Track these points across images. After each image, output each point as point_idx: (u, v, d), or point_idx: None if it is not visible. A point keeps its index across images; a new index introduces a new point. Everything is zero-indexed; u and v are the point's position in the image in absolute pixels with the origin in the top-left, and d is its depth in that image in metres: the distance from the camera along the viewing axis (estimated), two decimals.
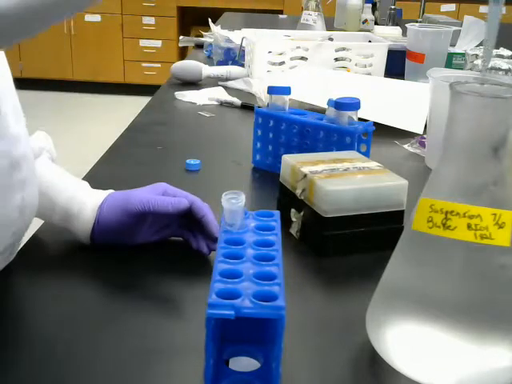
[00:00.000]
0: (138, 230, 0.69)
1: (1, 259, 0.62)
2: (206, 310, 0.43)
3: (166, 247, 0.72)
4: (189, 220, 0.70)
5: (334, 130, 0.90)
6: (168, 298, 0.62)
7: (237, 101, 1.33)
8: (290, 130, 0.94)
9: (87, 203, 0.69)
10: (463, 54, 1.61)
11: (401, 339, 0.52)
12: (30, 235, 0.72)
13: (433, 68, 1.09)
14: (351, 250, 0.72)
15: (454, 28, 1.61)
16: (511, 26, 1.91)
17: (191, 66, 1.50)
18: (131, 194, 0.68)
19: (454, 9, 4.04)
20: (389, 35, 1.88)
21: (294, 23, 2.01)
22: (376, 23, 2.22)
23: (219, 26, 1.71)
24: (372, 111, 1.14)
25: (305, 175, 0.73)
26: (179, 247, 0.72)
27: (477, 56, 1.50)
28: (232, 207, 0.54)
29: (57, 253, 0.70)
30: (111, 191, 0.71)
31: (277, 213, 0.59)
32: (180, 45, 2.02)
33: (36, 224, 0.72)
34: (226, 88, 1.44)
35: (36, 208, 0.65)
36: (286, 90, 0.94)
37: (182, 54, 4.40)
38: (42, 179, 0.68)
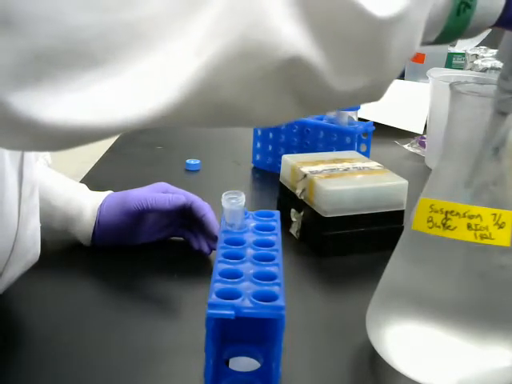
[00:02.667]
0: (138, 229, 0.69)
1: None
2: (206, 310, 0.43)
3: (166, 247, 0.72)
4: (189, 220, 0.70)
5: (334, 130, 0.90)
6: (168, 298, 0.62)
7: None
8: (290, 130, 0.94)
9: (87, 205, 0.68)
10: (463, 54, 1.61)
11: (401, 339, 0.52)
12: None
13: (433, 68, 1.09)
14: (351, 250, 0.72)
15: None
16: None
17: None
18: (129, 194, 0.68)
19: None
20: None
21: None
22: None
23: None
24: (372, 111, 1.14)
25: (305, 175, 0.73)
26: (179, 247, 0.72)
27: (477, 56, 1.50)
28: (232, 207, 0.54)
29: (57, 253, 0.70)
30: (110, 192, 0.71)
31: (277, 213, 0.59)
32: None
33: None
34: None
35: (39, 240, 0.64)
36: None
37: None
38: (40, 185, 0.68)
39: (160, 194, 0.68)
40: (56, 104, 0.28)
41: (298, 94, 0.34)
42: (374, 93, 0.37)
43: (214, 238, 0.67)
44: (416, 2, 0.33)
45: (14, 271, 0.56)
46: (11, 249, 0.54)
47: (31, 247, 0.58)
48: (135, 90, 0.29)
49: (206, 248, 0.69)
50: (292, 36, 0.31)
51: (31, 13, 0.26)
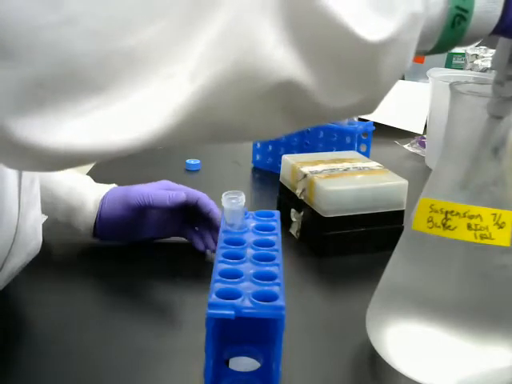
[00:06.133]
0: (139, 225, 0.69)
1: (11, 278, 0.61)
2: (206, 310, 0.43)
3: (165, 247, 0.72)
4: (195, 217, 0.70)
5: (334, 130, 0.90)
6: (168, 298, 0.62)
7: None
8: None
9: (89, 196, 0.69)
10: (463, 54, 1.61)
11: (401, 339, 0.52)
12: None
13: (433, 68, 1.09)
14: (351, 250, 0.71)
15: None
16: None
17: None
18: (131, 189, 0.69)
19: None
20: None
21: None
22: None
23: None
24: None
25: (305, 175, 0.73)
26: (179, 247, 0.72)
27: (477, 56, 1.50)
28: (232, 207, 0.54)
29: (58, 253, 0.70)
30: (113, 185, 0.71)
31: (277, 213, 0.59)
32: None
33: None
34: None
35: (41, 228, 0.65)
36: None
37: None
38: (43, 176, 0.68)
39: (161, 190, 0.69)
40: (58, 129, 0.29)
41: (291, 112, 0.35)
42: (368, 107, 0.37)
43: None
44: (407, 24, 0.33)
45: (16, 262, 0.57)
46: (12, 239, 0.55)
47: (32, 237, 0.59)
48: (133, 115, 0.30)
49: (212, 245, 0.69)
50: (284, 61, 0.32)
51: (33, 43, 0.27)
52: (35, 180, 0.59)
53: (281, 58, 0.32)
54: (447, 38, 0.37)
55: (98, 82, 0.29)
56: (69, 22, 0.28)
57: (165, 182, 0.71)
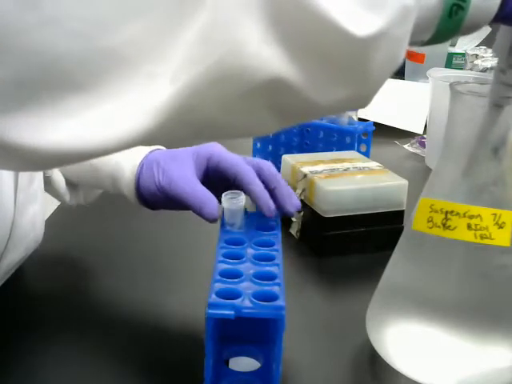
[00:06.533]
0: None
1: (11, 272, 0.62)
2: (205, 310, 0.43)
3: (165, 247, 0.72)
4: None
5: (334, 130, 0.90)
6: (168, 297, 0.62)
7: None
8: (290, 129, 0.94)
9: (125, 162, 0.62)
10: (463, 54, 1.61)
11: (401, 339, 0.52)
12: None
13: (433, 68, 1.09)
14: (351, 250, 0.72)
15: None
16: None
17: None
18: (169, 171, 0.59)
19: None
20: None
21: None
22: None
23: None
24: (372, 111, 1.14)
25: (305, 175, 0.73)
26: (179, 247, 0.72)
27: (477, 56, 1.50)
28: (232, 207, 0.54)
29: (59, 254, 0.70)
30: (152, 149, 0.63)
31: (277, 213, 0.59)
32: None
33: None
34: None
35: (43, 222, 0.65)
36: None
37: None
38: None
39: (200, 190, 0.57)
40: (42, 130, 0.29)
41: (279, 110, 0.34)
42: (360, 103, 0.36)
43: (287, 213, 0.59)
44: (397, 18, 0.32)
45: (13, 257, 0.57)
46: (8, 235, 0.55)
47: (30, 231, 0.59)
48: (115, 115, 0.30)
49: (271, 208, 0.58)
50: (270, 59, 0.31)
51: (13, 44, 0.27)
52: (35, 177, 0.59)
53: (266, 56, 0.31)
54: (445, 27, 0.36)
55: (80, 82, 0.29)
56: (49, 23, 0.27)
57: (208, 153, 0.60)
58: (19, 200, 0.56)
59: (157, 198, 0.60)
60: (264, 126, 0.36)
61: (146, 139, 0.32)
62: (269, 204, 0.57)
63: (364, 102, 0.36)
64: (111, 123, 0.30)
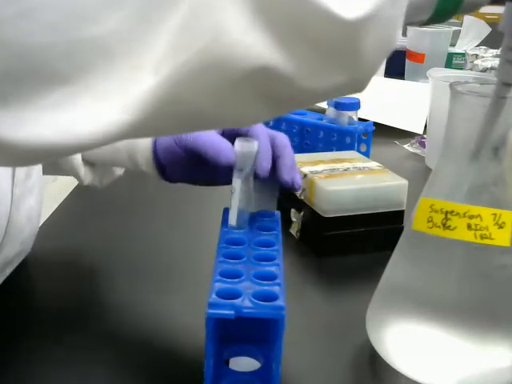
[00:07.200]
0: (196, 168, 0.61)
1: (9, 268, 0.62)
2: (205, 310, 0.43)
3: (165, 247, 0.72)
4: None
5: (334, 130, 0.90)
6: (167, 297, 0.62)
7: None
8: (290, 130, 0.94)
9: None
10: (463, 54, 1.61)
11: (401, 339, 0.52)
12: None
13: (433, 68, 1.09)
14: (351, 249, 0.72)
15: (454, 28, 1.61)
16: None
17: None
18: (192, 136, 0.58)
19: None
20: None
21: None
22: None
23: None
24: (372, 111, 1.14)
25: (305, 175, 0.73)
26: (179, 247, 0.72)
27: (477, 56, 1.51)
28: (244, 150, 0.54)
29: (59, 254, 0.70)
30: None
31: (277, 213, 0.59)
32: None
33: None
34: None
35: (40, 215, 0.65)
36: None
37: None
38: None
39: (215, 136, 0.58)
40: (24, 124, 0.29)
41: (270, 98, 0.33)
42: (356, 86, 0.34)
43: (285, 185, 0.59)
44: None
45: (9, 251, 0.57)
46: (4, 231, 0.55)
47: (26, 224, 0.59)
48: (97, 109, 0.30)
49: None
50: (256, 46, 0.30)
51: None
52: (32, 171, 0.59)
53: (251, 44, 0.30)
54: (444, 6, 0.35)
55: (61, 74, 0.29)
56: (26, 16, 0.27)
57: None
58: (15, 195, 0.56)
59: (174, 157, 0.59)
60: (255, 115, 0.35)
61: (131, 132, 0.31)
62: (265, 163, 0.57)
63: (361, 85, 0.34)
64: (95, 117, 0.30)
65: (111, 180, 0.73)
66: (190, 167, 0.61)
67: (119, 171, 0.74)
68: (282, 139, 0.60)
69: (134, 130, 0.31)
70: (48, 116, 0.29)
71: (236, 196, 0.55)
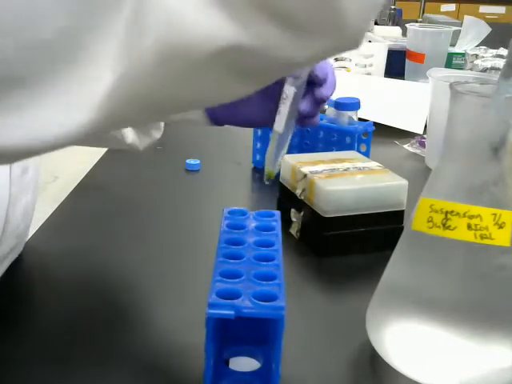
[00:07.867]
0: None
1: (7, 260, 0.62)
2: (205, 310, 0.43)
3: (166, 247, 0.72)
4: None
5: (334, 130, 0.90)
6: (167, 297, 0.62)
7: None
8: None
9: None
10: (463, 54, 1.61)
11: (401, 339, 0.52)
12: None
13: (433, 68, 1.09)
14: (351, 249, 0.72)
15: (454, 28, 1.61)
16: (510, 26, 1.91)
17: None
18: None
19: (453, 9, 4.04)
20: (389, 35, 1.88)
21: None
22: (376, 23, 2.22)
23: None
24: (372, 111, 1.14)
25: (305, 175, 0.73)
26: (179, 247, 0.72)
27: (477, 56, 1.50)
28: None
29: (60, 254, 0.70)
30: None
31: (277, 213, 0.59)
32: None
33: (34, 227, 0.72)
34: None
35: (34, 208, 0.65)
36: None
37: None
38: None
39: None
40: None
41: (244, 73, 0.31)
42: (344, 48, 0.32)
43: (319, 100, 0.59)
44: None
45: (6, 246, 0.58)
46: (2, 229, 0.55)
47: (21, 221, 0.60)
48: (58, 109, 0.29)
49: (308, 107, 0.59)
50: (213, 26, 0.27)
51: None
52: (28, 168, 0.59)
53: (210, 24, 0.27)
54: None
55: (17, 77, 0.28)
56: None
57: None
58: (13, 192, 0.56)
59: None
60: (233, 91, 0.33)
61: (94, 130, 0.30)
62: (329, 91, 0.59)
63: (352, 45, 0.31)
64: (58, 118, 0.29)
65: (149, 142, 0.72)
66: (237, 108, 0.59)
67: (157, 134, 0.73)
68: (333, 78, 0.60)
69: (99, 128, 0.31)
70: (12, 118, 0.29)
71: (287, 102, 0.55)
